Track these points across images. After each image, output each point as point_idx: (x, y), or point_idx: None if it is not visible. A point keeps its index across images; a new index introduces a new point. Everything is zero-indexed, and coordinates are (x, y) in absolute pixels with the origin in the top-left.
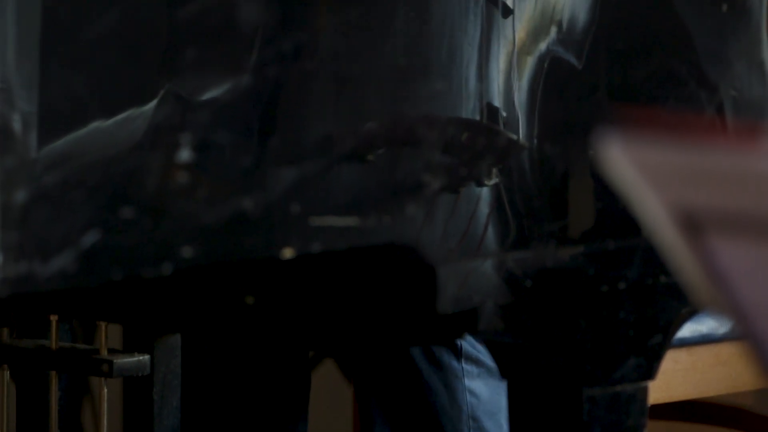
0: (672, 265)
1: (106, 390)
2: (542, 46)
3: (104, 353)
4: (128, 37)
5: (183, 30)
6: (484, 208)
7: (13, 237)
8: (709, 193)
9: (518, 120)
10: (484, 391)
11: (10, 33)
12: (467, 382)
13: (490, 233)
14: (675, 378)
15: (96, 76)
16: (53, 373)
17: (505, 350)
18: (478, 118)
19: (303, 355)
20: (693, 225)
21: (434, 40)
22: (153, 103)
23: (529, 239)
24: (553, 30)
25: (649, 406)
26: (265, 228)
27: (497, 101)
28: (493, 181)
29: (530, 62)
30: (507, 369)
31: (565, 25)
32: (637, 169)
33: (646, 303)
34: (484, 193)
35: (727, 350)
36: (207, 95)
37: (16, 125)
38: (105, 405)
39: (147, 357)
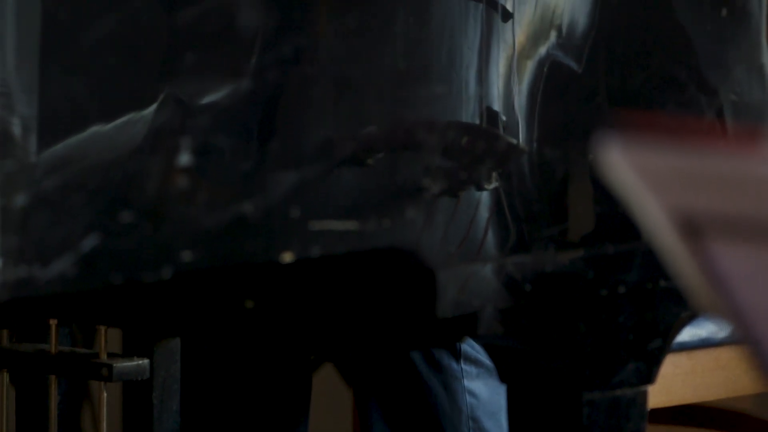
0: (672, 270)
1: (105, 394)
2: (542, 50)
3: (104, 357)
4: (128, 41)
5: (183, 34)
6: (484, 212)
7: (13, 241)
8: (709, 197)
9: (518, 124)
10: (484, 392)
11: (9, 37)
12: (466, 383)
13: (490, 237)
14: (674, 382)
15: (96, 80)
16: (53, 378)
17: (505, 354)
18: (477, 122)
19: (303, 359)
20: (693, 229)
21: (434, 44)
22: (153, 107)
23: (529, 243)
24: (553, 34)
25: (648, 410)
26: (265, 232)
27: (497, 105)
28: (493, 185)
29: (530, 66)
30: (506, 373)
31: (564, 29)
32: (637, 173)
33: (646, 307)
34: (484, 197)
35: (726, 354)
36: (207, 99)
37: (16, 129)
38: (104, 409)
39: (146, 361)
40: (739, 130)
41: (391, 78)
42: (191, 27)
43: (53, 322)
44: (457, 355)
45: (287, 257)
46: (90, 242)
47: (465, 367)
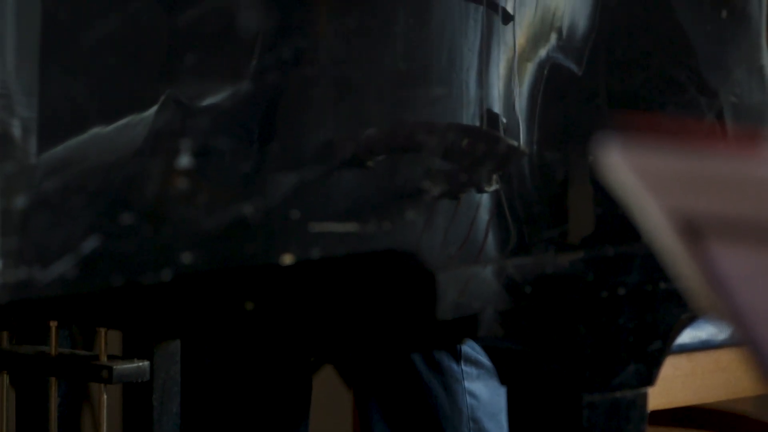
0: (672, 271)
1: (105, 396)
2: (542, 52)
3: (104, 359)
4: (128, 42)
5: (183, 35)
6: (484, 214)
7: (13, 243)
8: (709, 199)
9: (518, 126)
10: (484, 393)
11: (9, 38)
12: (467, 384)
13: (490, 239)
14: (675, 384)
15: (96, 81)
16: (53, 379)
17: (505, 356)
18: (478, 124)
19: (303, 360)
20: (693, 231)
21: (434, 45)
22: (153, 109)
23: (529, 245)
24: (553, 36)
25: (648, 412)
26: (265, 234)
27: (497, 107)
28: (494, 187)
29: (530, 68)
30: (506, 375)
31: (565, 31)
32: (637, 175)
33: (646, 309)
34: (485, 199)
35: (726, 356)
36: (207, 101)
37: (16, 131)
38: (104, 411)
39: (146, 363)
40: (739, 131)
41: (391, 80)
42: (192, 28)
43: (53, 323)
44: (458, 356)
45: (287, 259)
46: (90, 244)
47: (465, 368)
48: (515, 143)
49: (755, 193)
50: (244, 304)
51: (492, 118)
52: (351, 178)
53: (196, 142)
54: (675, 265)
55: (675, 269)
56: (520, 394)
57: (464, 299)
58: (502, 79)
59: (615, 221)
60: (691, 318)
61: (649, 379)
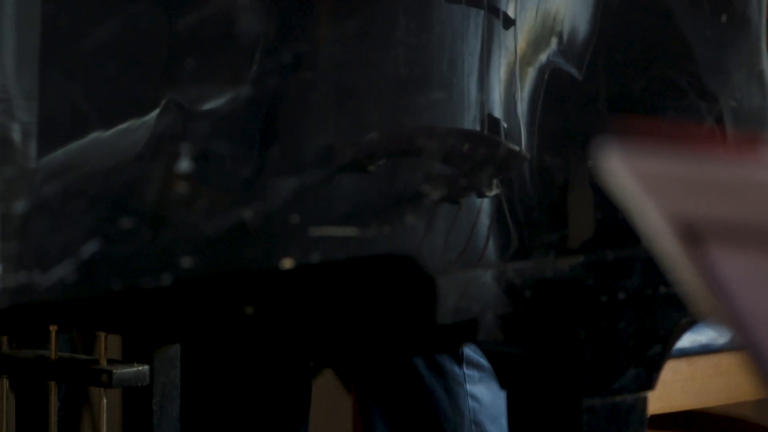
0: (671, 276)
1: (105, 400)
2: (543, 56)
3: (104, 363)
4: (129, 46)
5: (184, 40)
6: (485, 218)
7: (13, 247)
8: (709, 203)
9: (519, 130)
10: (486, 395)
11: (9, 42)
12: (469, 387)
13: (491, 244)
14: (674, 388)
15: (96, 85)
16: (53, 384)
17: (505, 360)
18: (478, 128)
19: (303, 365)
20: (692, 235)
21: (435, 50)
22: (154, 113)
23: (529, 249)
24: (554, 41)
25: (648, 416)
26: (265, 238)
27: (498, 111)
28: (494, 191)
29: (531, 73)
30: (506, 379)
31: (565, 36)
32: (637, 179)
33: (646, 313)
34: (485, 203)
35: (726, 360)
36: (208, 105)
37: (16, 135)
38: (104, 415)
39: (146, 367)
40: (739, 136)
41: (392, 84)
42: (192, 32)
43: (53, 328)
44: (460, 359)
45: (287, 263)
46: (90, 248)
47: (467, 371)
48: (516, 148)
49: (755, 198)
50: (244, 308)
51: (493, 122)
52: (351, 183)
53: (196, 146)
54: (675, 269)
55: (675, 273)
56: (520, 398)
57: (464, 303)
58: (502, 83)
59: (615, 225)
60: (690, 322)
61: (649, 383)
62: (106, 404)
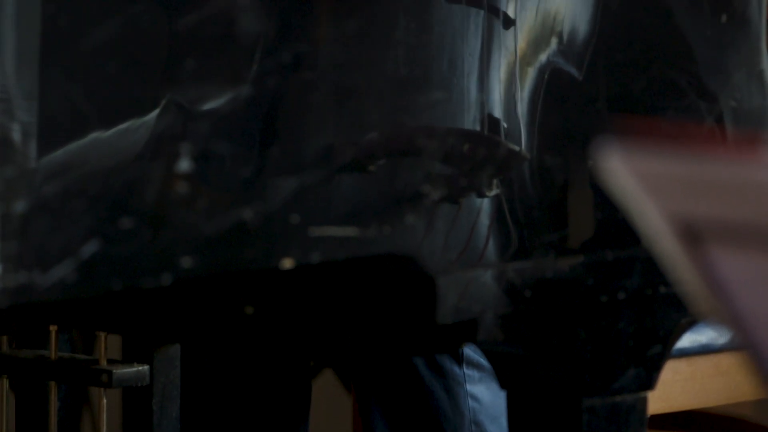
0: (671, 276)
1: (105, 400)
2: (543, 56)
3: (104, 363)
4: (129, 46)
5: (184, 40)
6: (485, 219)
7: (13, 247)
8: (709, 203)
9: (519, 130)
10: (486, 395)
11: (9, 42)
12: (469, 387)
13: (491, 244)
14: (674, 388)
15: (96, 85)
16: (53, 384)
17: (505, 360)
18: (478, 128)
19: (303, 365)
20: (692, 235)
21: (435, 50)
22: (154, 113)
23: (529, 249)
24: (554, 41)
25: (648, 416)
26: (265, 238)
27: (498, 111)
28: (494, 191)
29: (531, 73)
30: (506, 379)
31: (565, 36)
32: (637, 179)
33: (646, 313)
34: (485, 203)
35: (726, 360)
36: (208, 105)
37: (16, 135)
38: (104, 415)
39: (146, 367)
40: (739, 136)
41: (392, 84)
42: (192, 32)
43: (53, 328)
44: (460, 359)
45: (287, 263)
46: (90, 248)
47: (467, 371)
48: (516, 148)
49: (755, 198)
50: (244, 308)
51: (493, 122)
52: (351, 183)
53: (196, 146)
54: (675, 269)
55: (675, 273)
56: (520, 398)
57: (464, 303)
58: (502, 83)
59: (615, 225)
60: (690, 322)
61: (649, 383)
62: (106, 404)
